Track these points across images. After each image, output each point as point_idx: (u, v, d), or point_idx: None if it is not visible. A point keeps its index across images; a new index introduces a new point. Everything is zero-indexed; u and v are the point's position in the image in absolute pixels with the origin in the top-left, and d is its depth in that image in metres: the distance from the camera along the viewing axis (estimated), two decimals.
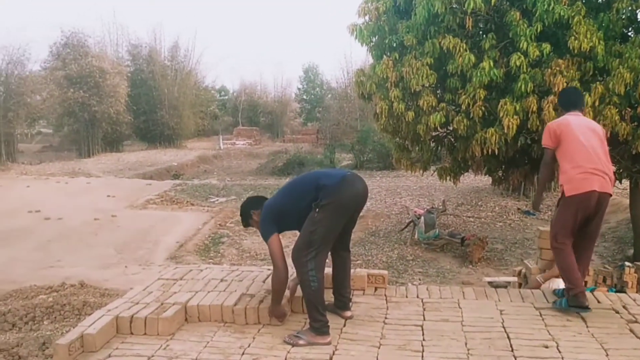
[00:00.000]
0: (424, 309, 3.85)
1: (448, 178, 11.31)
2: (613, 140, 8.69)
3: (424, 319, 3.65)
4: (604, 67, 8.40)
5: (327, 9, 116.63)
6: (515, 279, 7.51)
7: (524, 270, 9.33)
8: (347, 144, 30.41)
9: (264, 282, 4.19)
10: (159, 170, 27.62)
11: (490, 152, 8.95)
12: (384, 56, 9.99)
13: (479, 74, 8.65)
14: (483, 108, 8.89)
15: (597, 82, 8.24)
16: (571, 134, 4.00)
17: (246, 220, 3.98)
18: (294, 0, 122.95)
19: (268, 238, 3.64)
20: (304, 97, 55.65)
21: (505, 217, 17.60)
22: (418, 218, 14.41)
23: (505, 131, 8.48)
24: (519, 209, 18.25)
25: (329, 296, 3.78)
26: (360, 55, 59.41)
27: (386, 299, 4.09)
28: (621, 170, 9.64)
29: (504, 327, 3.41)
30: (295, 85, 56.90)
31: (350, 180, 3.68)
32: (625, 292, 8.87)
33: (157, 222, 15.93)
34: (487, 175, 11.85)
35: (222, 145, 40.86)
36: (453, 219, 17.14)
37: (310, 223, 3.55)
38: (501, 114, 8.52)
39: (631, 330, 3.32)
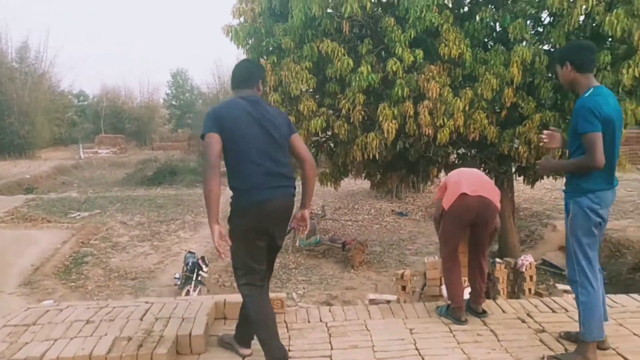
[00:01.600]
0: (330, 335, 3.50)
1: (329, 183, 11.19)
2: (482, 143, 9.13)
3: (332, 348, 3.30)
4: (472, 73, 8.77)
5: (195, 12, 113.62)
6: (395, 297, 7.51)
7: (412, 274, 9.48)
8: None
9: (141, 319, 3.54)
10: (8, 183, 24.64)
11: (370, 157, 8.94)
12: (261, 59, 9.60)
13: (357, 79, 8.60)
14: (363, 112, 8.87)
15: (467, 88, 8.56)
16: None
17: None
18: (158, 2, 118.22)
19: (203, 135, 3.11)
20: (173, 102, 53.37)
21: (380, 219, 18.06)
22: None
23: (385, 135, 8.51)
24: (393, 210, 18.85)
25: None
26: (232, 60, 58.48)
27: (287, 327, 3.68)
28: (488, 171, 10.15)
29: (417, 348, 3.17)
30: (164, 91, 54.49)
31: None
32: (497, 288, 9.34)
33: (8, 243, 14.03)
34: (367, 179, 11.93)
35: (83, 155, 37.64)
36: (332, 224, 17.22)
37: (232, 239, 3.09)
38: (380, 119, 8.54)
39: (541, 341, 3.26)
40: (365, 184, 14.67)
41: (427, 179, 10.60)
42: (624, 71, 7.42)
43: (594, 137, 2.89)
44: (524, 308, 3.77)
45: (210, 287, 11.07)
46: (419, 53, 8.56)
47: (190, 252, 11.60)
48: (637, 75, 7.47)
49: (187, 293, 10.10)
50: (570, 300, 3.88)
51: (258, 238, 3.04)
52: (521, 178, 10.56)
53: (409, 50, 8.50)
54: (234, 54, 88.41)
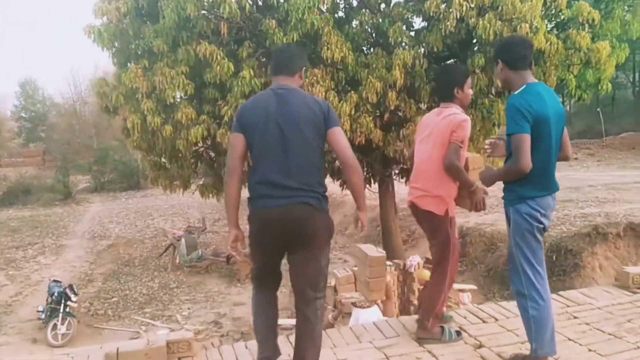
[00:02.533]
0: None
1: (211, 195, 10.56)
2: (367, 147, 9.13)
3: None
4: (354, 77, 8.73)
5: (45, 20, 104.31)
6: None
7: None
8: (84, 165, 27.20)
9: None
10: None
11: None
12: (130, 64, 8.77)
13: (239, 84, 8.14)
14: None
15: (352, 92, 8.49)
16: None
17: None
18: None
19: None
20: (23, 114, 48.41)
21: None
22: (178, 240, 13.35)
23: None
24: None
25: None
26: (90, 68, 54.52)
27: None
28: (372, 174, 10.21)
29: None
30: (11, 102, 49.19)
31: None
32: None
33: None
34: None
35: None
36: (213, 236, 16.50)
37: None
38: None
39: (482, 357, 3.08)
40: (245, 192, 14.18)
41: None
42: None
43: (520, 139, 2.70)
44: (454, 320, 3.58)
45: (80, 318, 9.92)
46: None
47: (55, 280, 10.36)
48: None
49: (54, 327, 8.95)
50: (496, 308, 3.78)
51: (261, 247, 2.92)
52: (404, 180, 10.75)
53: None
54: (92, 61, 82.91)
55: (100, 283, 12.58)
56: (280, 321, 6.10)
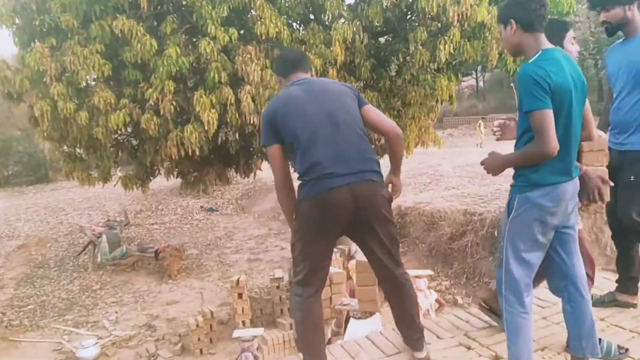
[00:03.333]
0: None
1: (135, 186, 9.64)
2: None
3: None
4: None
5: None
6: (262, 330, 6.32)
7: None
8: None
9: None
10: None
11: (190, 153, 7.76)
12: (34, 43, 7.66)
13: (165, 63, 7.32)
14: (174, 103, 7.61)
15: None
16: None
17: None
18: None
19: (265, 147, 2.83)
20: None
21: (190, 217, 16.76)
22: (98, 237, 12.21)
23: (206, 127, 7.42)
24: (202, 207, 17.67)
25: None
26: None
27: None
28: None
29: None
30: None
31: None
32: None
33: None
34: (180, 178, 10.61)
35: None
36: (136, 230, 15.40)
37: (292, 231, 2.68)
38: (198, 109, 7.41)
39: None
40: (165, 181, 12.92)
41: (249, 172, 9.75)
42: (441, 47, 7.46)
43: (542, 117, 2.26)
44: (456, 327, 3.10)
45: None
46: (233, 32, 7.61)
47: None
48: (452, 52, 7.59)
49: None
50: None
51: (322, 236, 2.62)
52: None
53: (222, 29, 7.49)
54: None
55: (12, 289, 11.31)
56: (237, 332, 5.46)
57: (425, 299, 6.34)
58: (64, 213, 18.04)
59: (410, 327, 2.73)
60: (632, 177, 2.99)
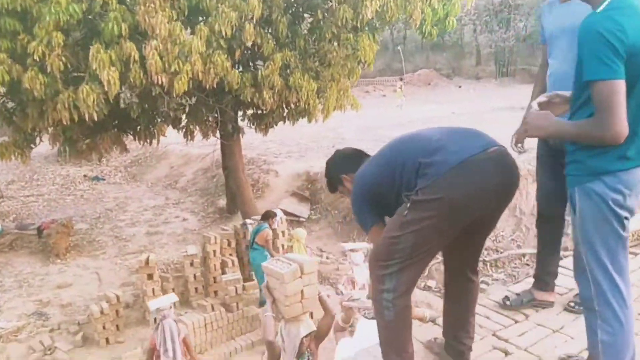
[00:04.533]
0: None
1: (13, 156, 8.28)
2: (219, 90, 7.85)
3: None
4: (199, 6, 7.28)
5: None
6: (175, 296, 5.69)
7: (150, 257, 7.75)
8: None
9: None
10: None
11: (86, 117, 6.71)
12: None
13: (52, 11, 6.15)
14: (64, 58, 6.49)
15: (201, 24, 7.06)
16: None
17: (334, 186, 2.62)
18: None
19: (368, 229, 2.29)
20: None
21: (72, 188, 15.14)
22: None
23: (106, 88, 6.42)
24: (85, 175, 16.05)
25: None
26: None
27: None
28: (222, 122, 8.91)
29: None
30: None
31: (477, 167, 2.02)
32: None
33: None
34: (67, 146, 9.30)
35: None
36: (10, 204, 13.60)
37: (397, 224, 2.13)
38: (95, 66, 6.36)
39: None
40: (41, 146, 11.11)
41: (151, 138, 8.76)
42: (367, 4, 7.03)
43: (611, 89, 1.75)
44: (479, 325, 2.64)
45: None
46: None
47: None
48: (378, 9, 7.19)
49: None
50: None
51: (462, 215, 2.14)
52: (255, 126, 9.64)
53: None
54: None
55: None
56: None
57: (362, 272, 6.08)
58: None
59: (466, 336, 2.37)
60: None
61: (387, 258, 2.14)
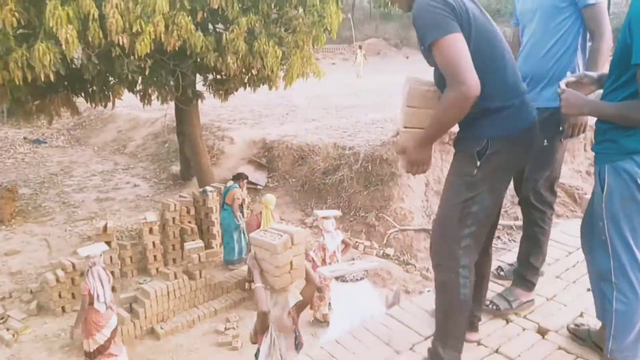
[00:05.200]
0: None
1: None
2: (180, 53, 7.60)
3: None
4: None
5: None
6: (106, 246, 5.81)
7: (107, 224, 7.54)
8: None
9: None
10: None
11: (42, 78, 6.35)
12: None
13: None
14: (18, 14, 6.09)
15: None
16: None
17: None
18: None
19: (441, 36, 1.95)
20: None
21: (12, 151, 14.38)
22: None
23: (64, 47, 6.08)
24: (25, 138, 15.25)
25: None
26: None
27: None
28: (183, 89, 8.59)
29: None
30: None
31: (531, 136, 2.15)
32: (211, 220, 8.36)
33: None
34: (14, 107, 8.75)
35: None
36: None
37: (464, 185, 2.05)
38: (52, 23, 6.00)
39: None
40: None
41: (106, 100, 8.38)
42: None
43: None
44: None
45: None
46: None
47: None
48: None
49: None
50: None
51: (505, 182, 2.24)
52: (215, 91, 9.39)
53: None
54: None
55: None
56: None
57: (333, 240, 6.19)
58: None
59: (479, 308, 2.40)
60: (544, 141, 2.51)
61: (460, 228, 2.08)
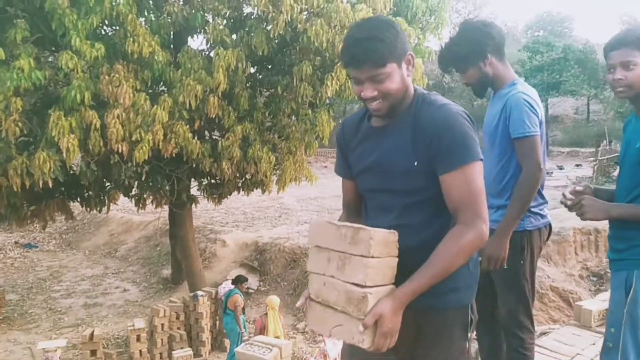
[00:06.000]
0: None
1: None
2: (177, 159, 7.85)
3: None
4: (160, 77, 7.41)
5: None
6: (65, 341, 5.85)
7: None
8: None
9: None
10: None
11: (41, 185, 6.50)
12: None
13: (15, 77, 6.07)
14: (21, 124, 6.36)
15: (165, 95, 7.15)
16: None
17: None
18: None
19: (476, 159, 1.55)
20: None
21: (2, 255, 14.25)
22: None
23: (65, 156, 6.29)
24: (16, 242, 15.17)
25: None
26: None
27: None
28: (178, 193, 8.77)
29: None
30: None
31: None
32: (201, 325, 8.22)
33: None
34: (9, 212, 8.81)
35: None
36: None
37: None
38: (54, 132, 6.26)
39: None
40: None
41: (102, 205, 8.50)
42: (328, 83, 7.38)
43: None
44: None
45: None
46: (100, 48, 6.63)
47: None
48: (338, 88, 7.56)
49: None
50: None
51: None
52: (208, 195, 9.56)
53: (88, 42, 6.49)
54: None
55: None
56: None
57: (334, 346, 6.05)
58: None
59: None
60: (505, 265, 2.36)
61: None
